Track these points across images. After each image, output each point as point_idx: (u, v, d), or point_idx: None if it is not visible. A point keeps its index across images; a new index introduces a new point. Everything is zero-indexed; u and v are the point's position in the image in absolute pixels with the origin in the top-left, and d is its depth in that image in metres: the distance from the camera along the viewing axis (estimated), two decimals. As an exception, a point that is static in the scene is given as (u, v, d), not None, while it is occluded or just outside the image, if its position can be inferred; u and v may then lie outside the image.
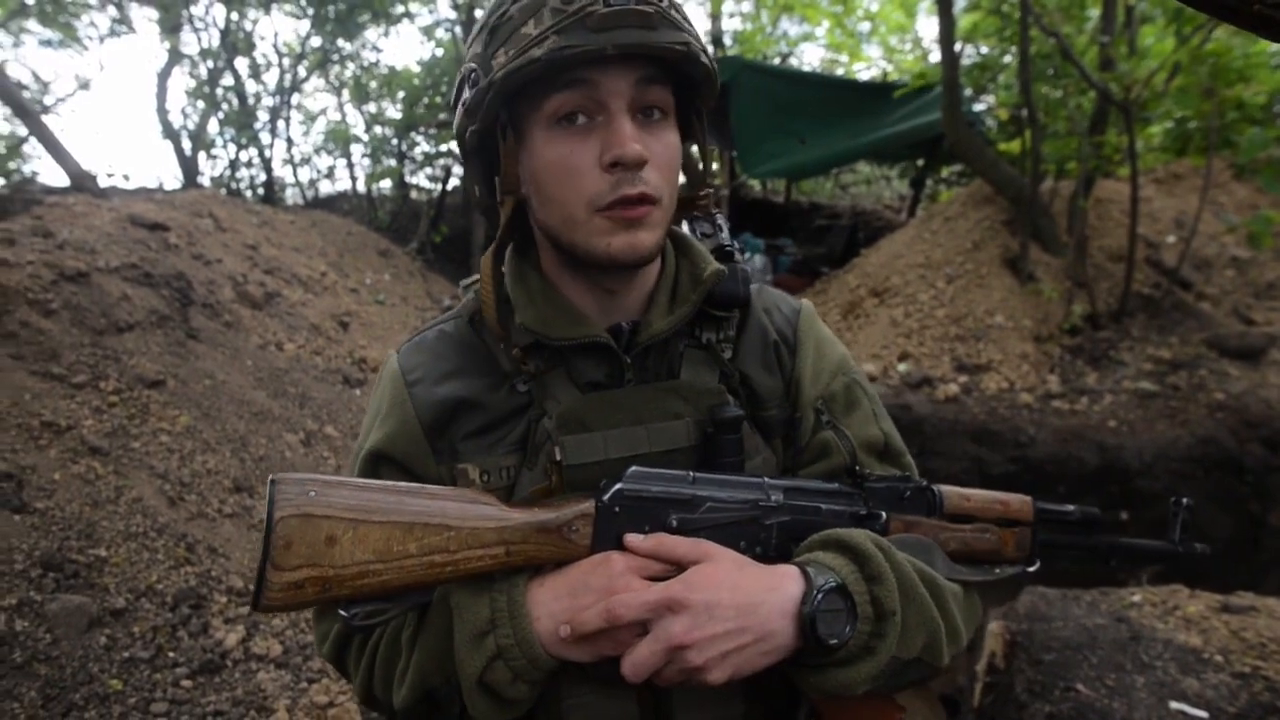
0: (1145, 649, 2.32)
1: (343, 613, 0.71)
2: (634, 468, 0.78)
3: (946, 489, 0.92)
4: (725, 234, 0.97)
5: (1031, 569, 0.96)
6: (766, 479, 0.82)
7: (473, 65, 0.80)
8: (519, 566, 0.75)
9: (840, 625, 0.72)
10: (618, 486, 0.77)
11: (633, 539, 0.76)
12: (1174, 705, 2.08)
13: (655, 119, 0.80)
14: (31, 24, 8.57)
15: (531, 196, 0.83)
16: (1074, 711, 2.15)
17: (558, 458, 0.81)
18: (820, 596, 0.71)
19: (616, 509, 0.76)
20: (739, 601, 0.71)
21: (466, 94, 0.80)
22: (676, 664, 0.71)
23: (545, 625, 0.74)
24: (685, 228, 0.98)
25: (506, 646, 0.73)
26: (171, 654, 2.48)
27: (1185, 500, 1.01)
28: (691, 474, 0.79)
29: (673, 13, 0.77)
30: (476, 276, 0.95)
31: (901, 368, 5.42)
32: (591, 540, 0.76)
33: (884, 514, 0.85)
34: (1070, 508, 0.98)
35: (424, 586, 0.73)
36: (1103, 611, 2.57)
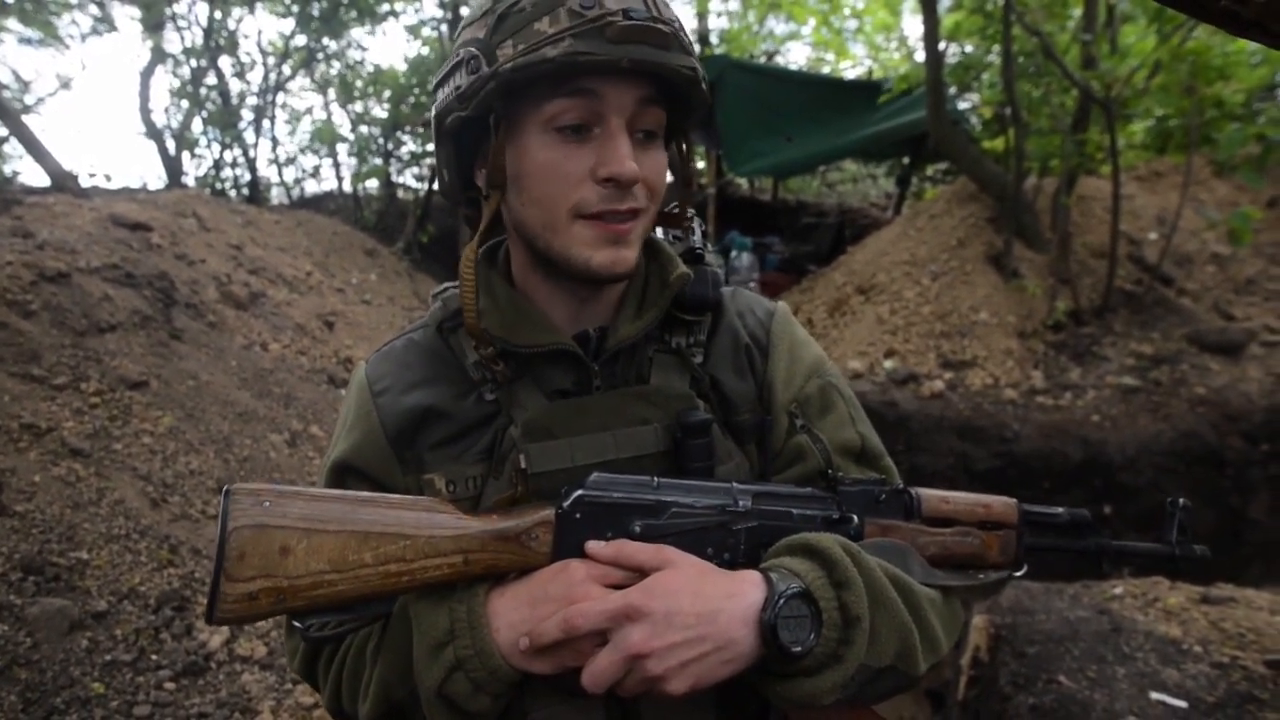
0: (1126, 640, 2.34)
1: (297, 624, 0.70)
2: (596, 474, 0.77)
3: (925, 492, 0.88)
4: (697, 236, 0.95)
5: (1018, 574, 0.92)
6: (735, 483, 0.80)
7: (473, 50, 0.76)
8: (479, 576, 0.74)
9: (804, 632, 0.69)
10: (578, 493, 0.75)
11: (593, 546, 0.74)
12: (1154, 695, 2.10)
13: (648, 140, 0.80)
14: (12, 22, 8.48)
15: (513, 194, 0.81)
16: (1056, 703, 2.18)
17: (523, 466, 0.79)
18: (782, 603, 0.69)
19: (577, 515, 0.75)
20: (699, 609, 0.69)
21: (462, 78, 0.78)
22: (636, 674, 0.69)
23: (505, 636, 0.72)
24: (658, 230, 0.96)
25: (466, 657, 0.72)
26: (154, 656, 2.46)
27: (1183, 501, 0.96)
28: (656, 479, 0.78)
29: (683, 35, 0.77)
30: (446, 285, 0.94)
31: (887, 364, 5.45)
32: (552, 548, 0.75)
33: (857, 518, 0.83)
34: (1058, 510, 0.94)
35: (381, 597, 0.71)
36: (1085, 604, 2.60)
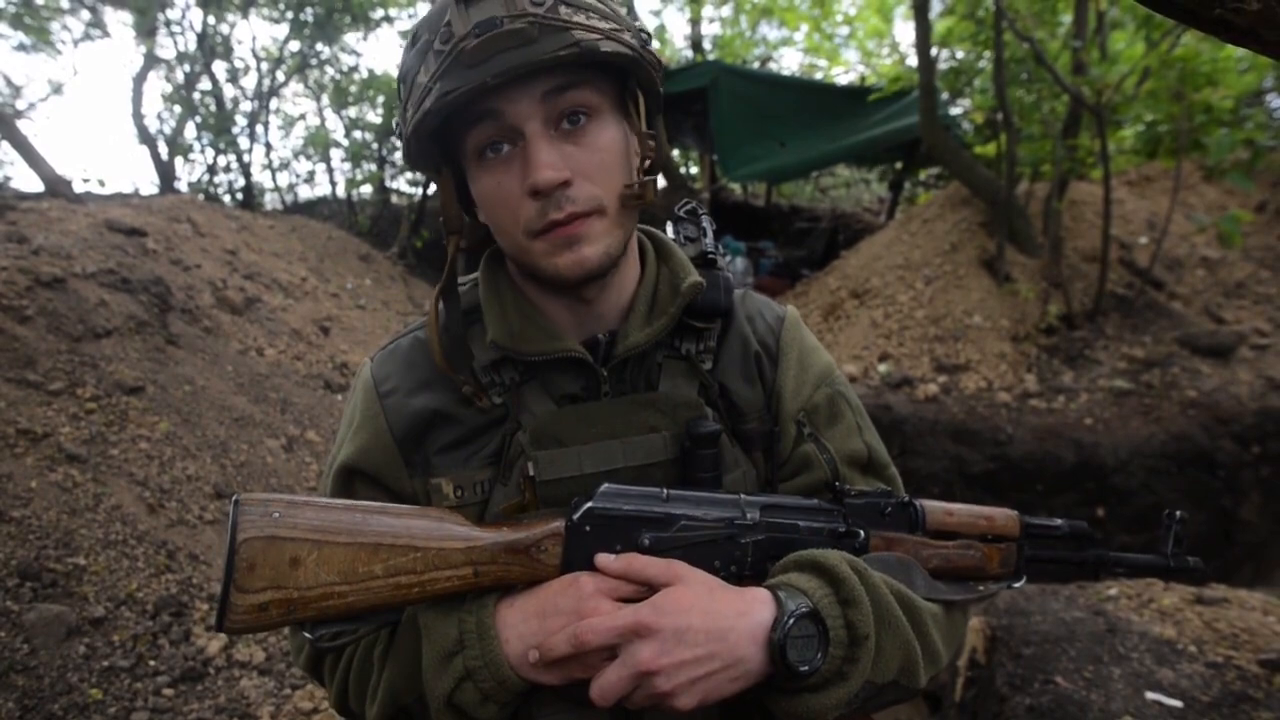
0: (1121, 641, 2.36)
1: (308, 635, 0.71)
2: (605, 485, 0.77)
3: (929, 504, 0.89)
4: (709, 239, 0.95)
5: (1018, 585, 0.94)
6: (743, 495, 0.81)
7: (396, 118, 0.82)
8: (488, 587, 0.74)
9: (811, 651, 0.70)
10: (588, 505, 0.75)
11: (603, 559, 0.74)
12: (1150, 695, 2.12)
13: (581, 123, 0.78)
14: (3, 27, 8.45)
15: (488, 223, 0.84)
16: (1053, 703, 2.19)
17: (531, 473, 0.80)
18: (791, 622, 0.70)
19: (587, 528, 0.75)
20: (709, 627, 0.70)
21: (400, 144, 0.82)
22: (645, 689, 0.70)
23: (514, 647, 0.73)
24: (670, 230, 0.96)
25: (475, 668, 0.72)
26: (152, 662, 2.45)
27: (1179, 513, 0.98)
28: (665, 491, 0.78)
29: (560, 10, 0.72)
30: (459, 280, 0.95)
31: (882, 368, 5.48)
32: (561, 560, 0.75)
33: (863, 532, 0.83)
34: (1058, 522, 0.96)
35: (391, 608, 0.72)
36: (1080, 605, 2.62)
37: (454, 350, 0.85)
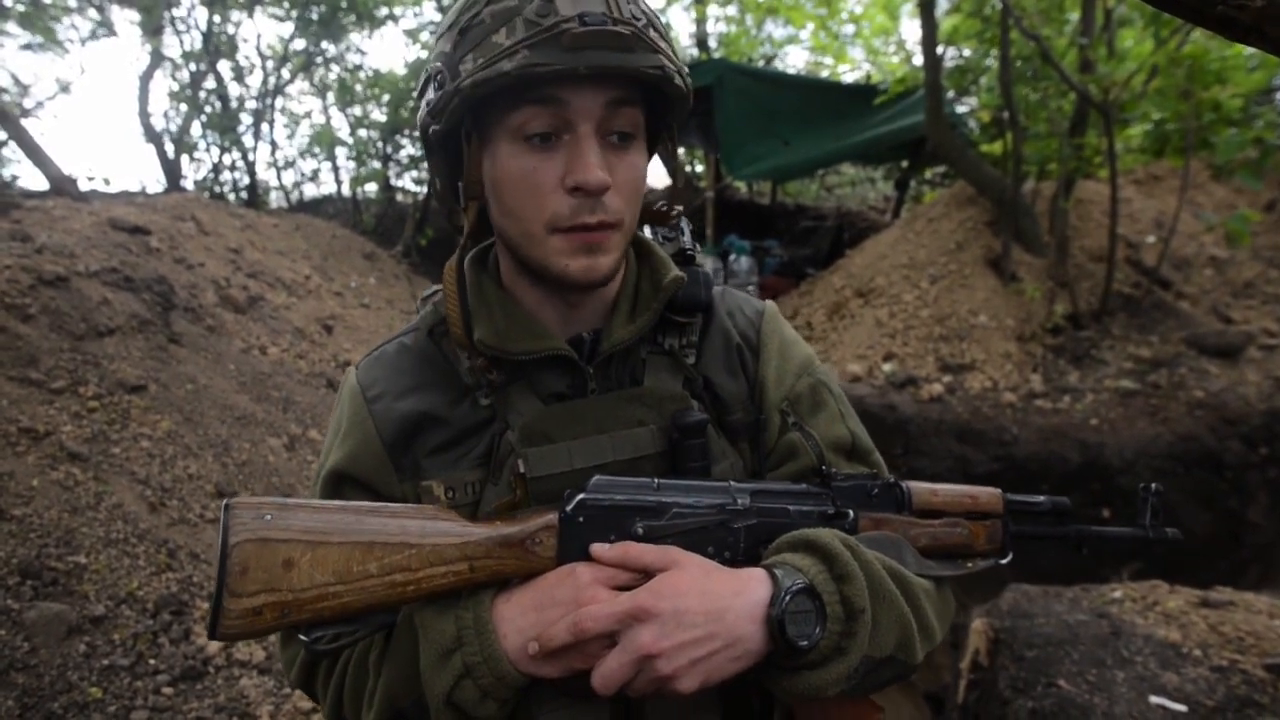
0: (1126, 644, 2.34)
1: (303, 637, 0.70)
2: (597, 476, 0.77)
3: (915, 485, 0.91)
4: (687, 237, 0.97)
5: (1004, 561, 0.96)
6: (733, 482, 0.82)
7: (439, 65, 0.78)
8: (484, 582, 0.74)
9: (809, 626, 0.71)
10: (580, 496, 0.76)
11: (598, 548, 0.75)
12: (1154, 699, 2.10)
13: (624, 142, 0.79)
14: (11, 26, 8.49)
15: (492, 203, 0.83)
16: (1056, 707, 2.17)
17: (521, 470, 0.80)
18: (788, 598, 0.70)
19: (580, 519, 0.75)
20: (707, 608, 0.70)
21: (431, 94, 0.79)
22: (646, 674, 0.70)
23: (513, 641, 0.72)
24: (646, 231, 0.98)
25: (474, 664, 0.72)
26: (152, 661, 2.46)
27: (1155, 486, 1.02)
28: (656, 480, 0.79)
29: (650, 33, 0.75)
30: (436, 288, 0.94)
31: (886, 368, 5.46)
32: (556, 552, 0.75)
33: (852, 512, 0.85)
34: (1040, 498, 0.99)
35: (387, 607, 0.71)
36: (1084, 608, 2.60)
37: (468, 324, 0.85)
